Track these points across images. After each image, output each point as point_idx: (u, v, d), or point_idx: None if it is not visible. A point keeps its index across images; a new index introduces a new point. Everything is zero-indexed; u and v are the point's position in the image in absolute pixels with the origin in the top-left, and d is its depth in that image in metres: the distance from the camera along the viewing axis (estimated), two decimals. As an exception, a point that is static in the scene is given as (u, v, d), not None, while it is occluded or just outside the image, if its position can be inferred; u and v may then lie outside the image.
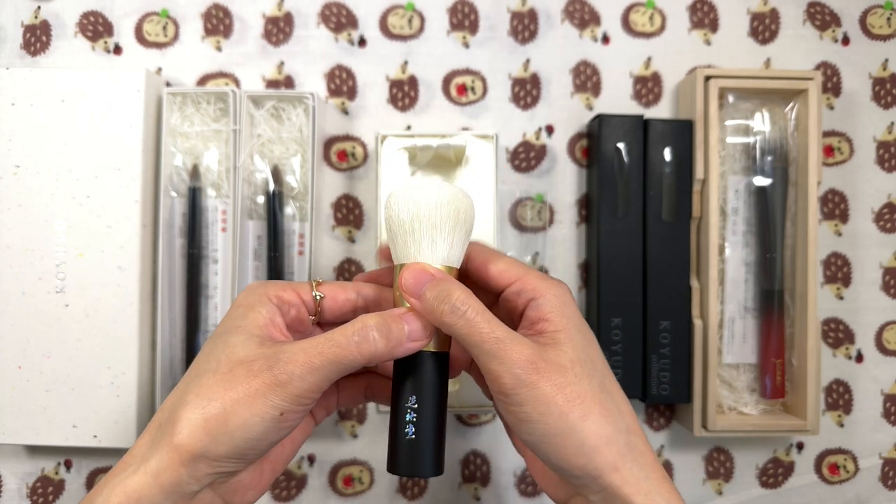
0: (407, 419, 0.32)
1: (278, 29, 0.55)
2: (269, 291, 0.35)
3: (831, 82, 0.56)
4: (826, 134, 0.55)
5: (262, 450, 0.32)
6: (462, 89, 0.55)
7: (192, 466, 0.30)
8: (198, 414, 0.30)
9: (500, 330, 0.31)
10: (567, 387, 0.30)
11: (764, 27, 0.55)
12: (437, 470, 0.33)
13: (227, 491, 0.33)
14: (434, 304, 0.32)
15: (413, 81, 0.55)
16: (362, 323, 0.31)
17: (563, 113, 0.55)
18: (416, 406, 0.32)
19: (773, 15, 0.56)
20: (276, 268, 0.51)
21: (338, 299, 0.37)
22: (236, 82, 0.55)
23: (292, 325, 0.36)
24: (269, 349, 0.31)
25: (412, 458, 0.32)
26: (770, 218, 0.52)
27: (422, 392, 0.33)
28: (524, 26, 0.55)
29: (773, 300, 0.52)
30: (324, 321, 0.37)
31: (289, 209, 0.52)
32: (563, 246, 0.55)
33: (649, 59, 0.55)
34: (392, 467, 0.33)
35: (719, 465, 0.55)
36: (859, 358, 0.55)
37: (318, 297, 0.36)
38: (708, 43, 0.55)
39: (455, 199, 0.34)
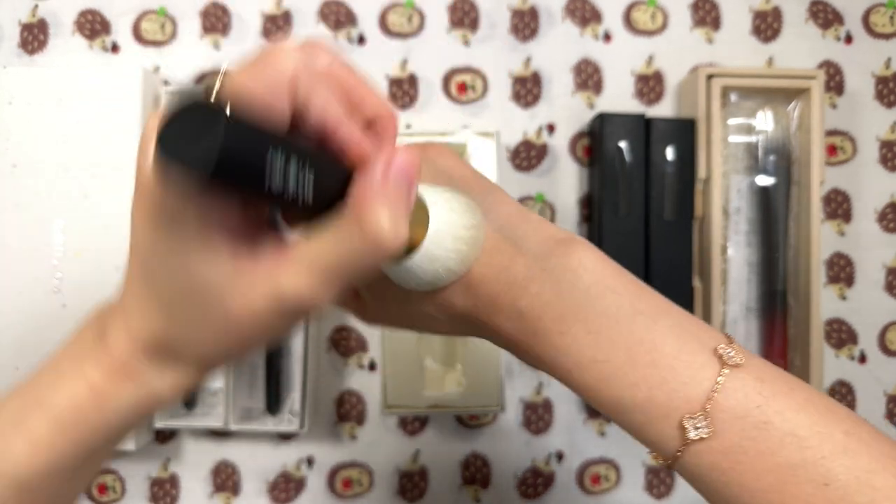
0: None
1: (277, 27, 0.55)
2: None
3: (834, 81, 0.55)
4: (829, 133, 0.55)
5: None
6: (462, 87, 0.55)
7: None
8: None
9: None
10: None
11: (766, 25, 0.55)
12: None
13: None
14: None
15: (413, 80, 0.55)
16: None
17: (565, 111, 0.55)
18: None
19: (776, 13, 0.55)
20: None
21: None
22: (235, 81, 0.54)
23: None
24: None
25: None
26: (773, 217, 0.52)
27: None
28: (525, 24, 0.55)
29: (775, 300, 0.52)
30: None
31: (288, 209, 0.52)
32: (565, 246, 0.55)
33: (651, 58, 0.55)
34: None
35: (722, 467, 0.55)
36: (862, 359, 0.55)
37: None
38: (710, 41, 0.55)
39: None
